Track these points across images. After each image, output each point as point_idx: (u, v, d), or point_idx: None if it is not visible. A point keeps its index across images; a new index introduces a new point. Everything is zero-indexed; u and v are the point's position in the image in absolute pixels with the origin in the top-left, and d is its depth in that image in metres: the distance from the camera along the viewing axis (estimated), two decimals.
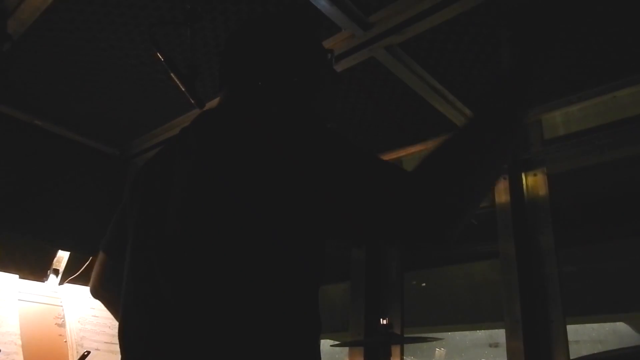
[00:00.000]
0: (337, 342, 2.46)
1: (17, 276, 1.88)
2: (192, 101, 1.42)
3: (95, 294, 1.23)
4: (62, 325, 1.88)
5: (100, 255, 1.21)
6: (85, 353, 1.76)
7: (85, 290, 2.03)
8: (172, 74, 1.41)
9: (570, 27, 0.95)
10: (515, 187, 2.22)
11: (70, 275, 2.15)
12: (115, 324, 1.00)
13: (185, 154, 0.95)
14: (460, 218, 0.77)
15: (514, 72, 0.87)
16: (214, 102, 1.92)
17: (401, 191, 0.76)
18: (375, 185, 0.76)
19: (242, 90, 1.06)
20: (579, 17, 1.27)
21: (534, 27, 0.89)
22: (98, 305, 1.98)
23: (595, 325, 2.76)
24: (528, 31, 0.89)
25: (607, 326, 2.76)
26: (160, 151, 1.12)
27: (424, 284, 3.14)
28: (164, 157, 1.06)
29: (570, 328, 1.98)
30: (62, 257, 2.18)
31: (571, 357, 1.90)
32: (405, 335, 2.44)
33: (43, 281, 2.09)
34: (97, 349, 1.84)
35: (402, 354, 2.41)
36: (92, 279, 1.22)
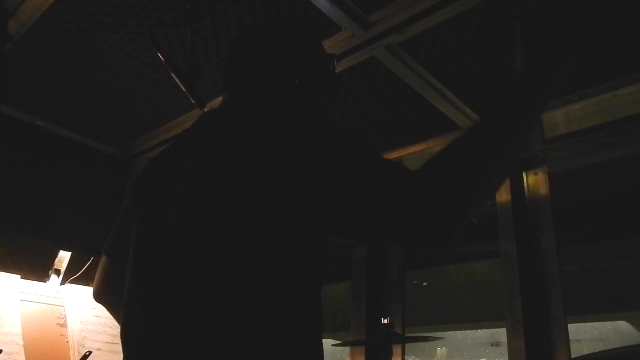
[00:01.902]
0: (338, 342, 2.46)
1: (19, 276, 1.88)
2: (193, 101, 1.43)
3: (98, 298, 1.23)
4: (63, 325, 1.88)
5: (103, 259, 1.20)
6: (87, 353, 1.76)
7: (87, 290, 2.04)
8: (172, 74, 1.41)
9: (584, 30, 0.91)
10: (516, 186, 2.22)
11: (71, 275, 2.16)
12: (117, 323, 1.00)
13: (187, 154, 0.96)
14: (463, 217, 0.76)
15: (523, 73, 0.85)
16: (214, 102, 1.94)
17: (404, 189, 0.75)
18: (378, 182, 0.76)
19: (244, 90, 1.07)
20: (594, 19, 1.23)
21: (546, 28, 0.86)
22: (99, 305, 1.99)
23: (596, 324, 2.75)
24: (540, 31, 0.86)
25: (609, 325, 2.75)
26: (161, 153, 1.12)
27: (425, 283, 3.13)
28: (166, 158, 1.06)
29: (571, 327, 1.98)
30: (64, 257, 2.18)
31: (572, 356, 1.90)
32: (406, 335, 2.44)
33: (44, 281, 2.10)
34: (98, 349, 1.84)
35: (403, 353, 2.41)
36: (95, 283, 1.21)
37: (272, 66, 1.07)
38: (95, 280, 1.21)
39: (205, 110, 1.71)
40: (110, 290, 1.18)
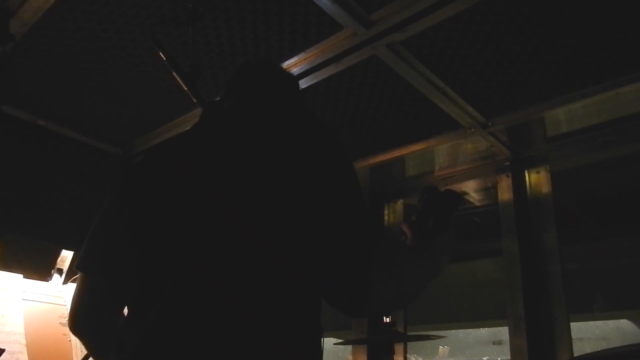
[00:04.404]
0: (340, 340, 2.46)
1: (22, 276, 1.88)
2: (194, 100, 1.43)
3: (82, 326, 1.02)
4: (66, 324, 1.88)
5: (89, 280, 1.01)
6: None
7: None
8: (174, 73, 1.42)
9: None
10: (519, 184, 2.22)
11: (74, 274, 2.16)
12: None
13: (202, 159, 0.98)
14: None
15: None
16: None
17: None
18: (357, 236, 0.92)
19: (250, 99, 1.10)
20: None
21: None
22: None
23: (598, 323, 2.75)
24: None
25: (611, 323, 2.75)
26: (157, 158, 1.08)
27: None
28: (167, 159, 1.05)
29: (573, 325, 1.98)
30: (66, 256, 2.19)
31: (575, 355, 1.90)
32: (408, 334, 2.44)
33: (47, 281, 2.10)
34: None
35: (405, 352, 2.41)
36: (78, 309, 1.01)
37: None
38: (79, 306, 1.01)
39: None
40: (93, 315, 1.01)
